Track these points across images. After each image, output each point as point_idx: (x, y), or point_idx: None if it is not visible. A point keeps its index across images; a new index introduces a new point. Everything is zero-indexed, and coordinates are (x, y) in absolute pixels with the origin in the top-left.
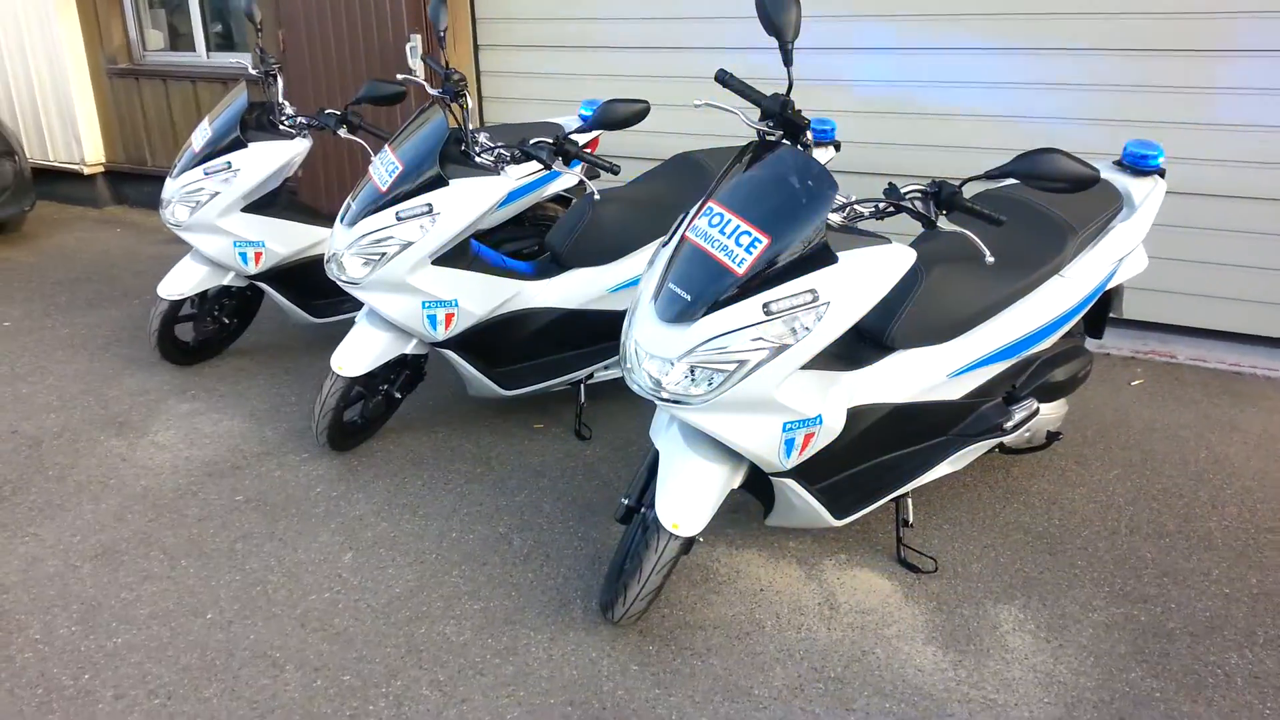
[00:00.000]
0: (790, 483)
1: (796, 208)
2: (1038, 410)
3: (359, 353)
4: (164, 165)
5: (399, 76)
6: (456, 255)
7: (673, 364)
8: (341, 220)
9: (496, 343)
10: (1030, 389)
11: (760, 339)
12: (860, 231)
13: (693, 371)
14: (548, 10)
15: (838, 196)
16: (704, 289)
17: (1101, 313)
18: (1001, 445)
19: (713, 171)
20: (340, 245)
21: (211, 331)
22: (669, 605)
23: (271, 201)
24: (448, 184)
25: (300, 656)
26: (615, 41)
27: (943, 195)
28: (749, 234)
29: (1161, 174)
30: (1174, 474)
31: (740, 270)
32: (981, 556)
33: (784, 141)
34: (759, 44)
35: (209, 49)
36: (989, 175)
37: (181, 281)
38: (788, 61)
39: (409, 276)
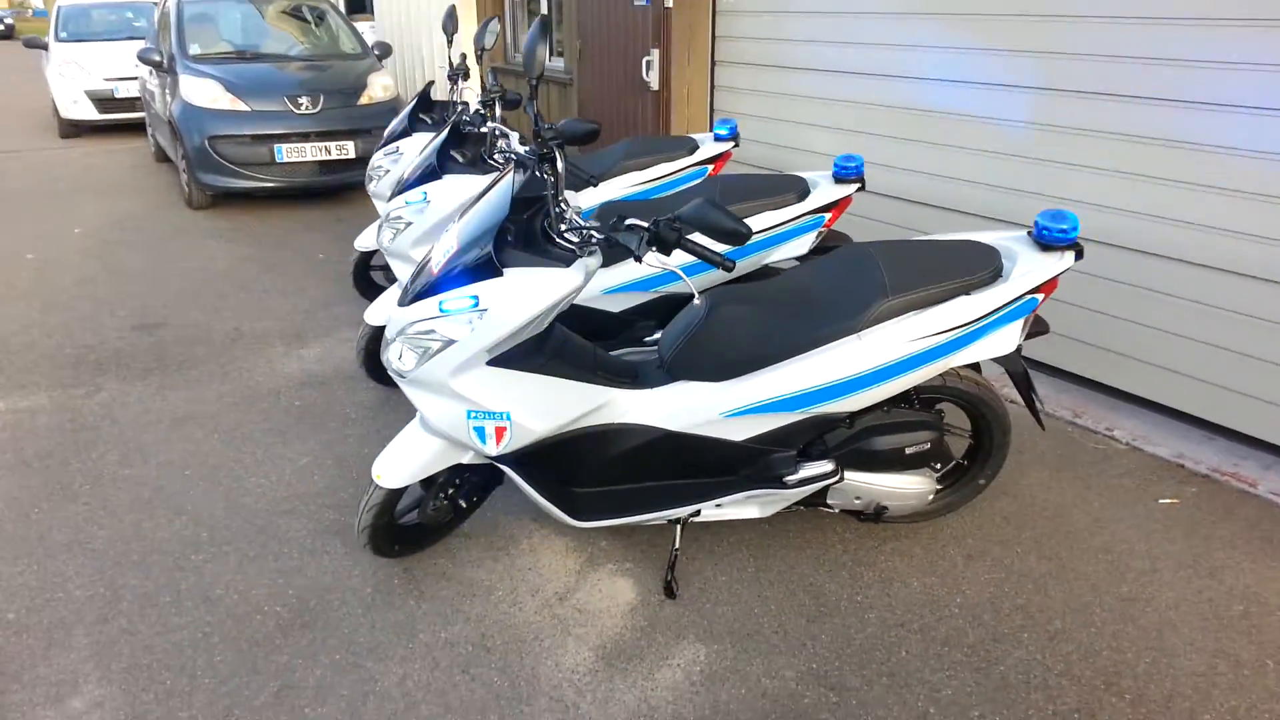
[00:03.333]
0: (508, 470)
1: (479, 226)
2: (835, 474)
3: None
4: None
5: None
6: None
7: (392, 341)
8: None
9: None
10: (837, 451)
11: (433, 331)
12: (552, 256)
13: (404, 351)
14: (777, 31)
15: (578, 218)
16: (417, 282)
17: (1030, 400)
18: (863, 513)
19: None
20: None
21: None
22: (453, 548)
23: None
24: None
25: None
26: (839, 66)
27: (660, 231)
28: (452, 242)
29: (1077, 250)
30: (1043, 600)
31: (435, 271)
32: (740, 602)
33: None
34: (1000, 80)
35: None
36: (670, 221)
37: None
38: (533, 96)
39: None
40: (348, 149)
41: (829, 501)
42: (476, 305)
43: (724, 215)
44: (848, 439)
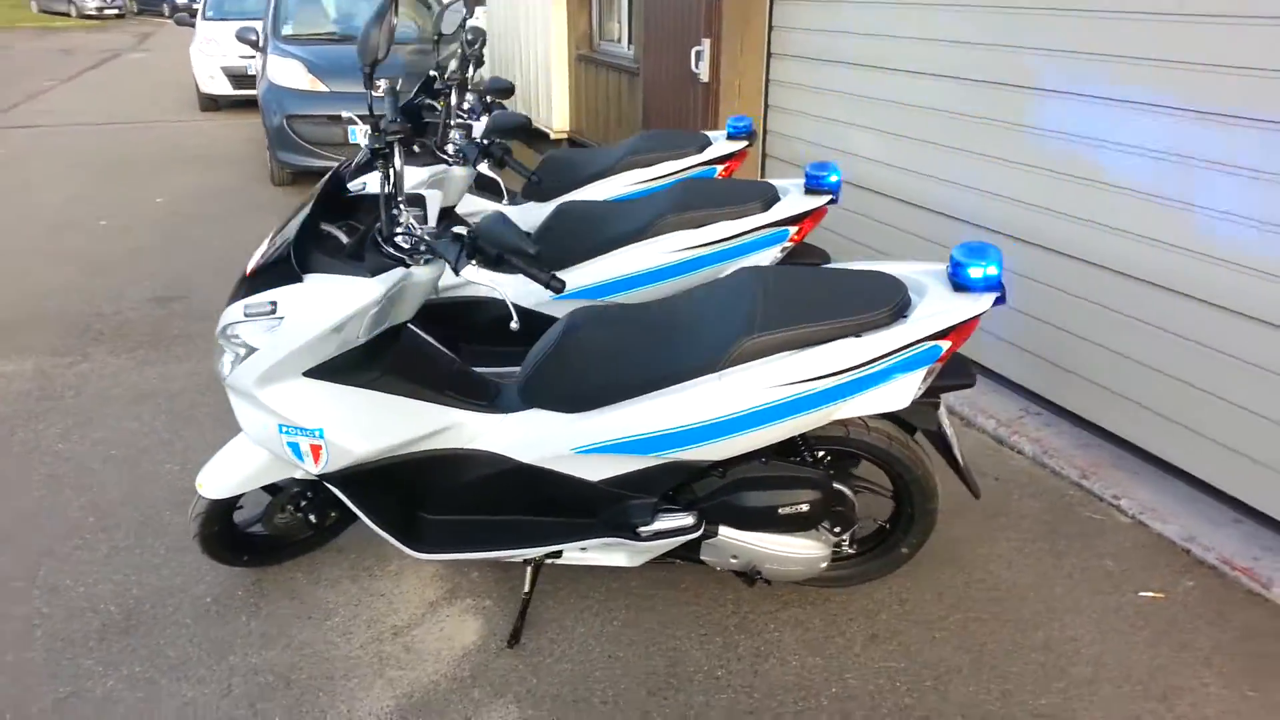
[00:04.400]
0: (335, 489)
1: (297, 222)
2: (696, 528)
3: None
4: (594, 140)
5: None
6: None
7: (217, 342)
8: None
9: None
10: (705, 503)
11: (238, 337)
12: (366, 264)
13: (222, 353)
14: (833, 21)
15: (415, 223)
16: (237, 284)
17: (955, 464)
18: (743, 574)
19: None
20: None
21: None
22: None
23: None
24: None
25: None
26: (909, 65)
27: (477, 242)
28: (273, 236)
29: (1000, 294)
30: (936, 703)
31: (248, 269)
32: (585, 661)
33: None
34: (1083, 90)
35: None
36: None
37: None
38: (368, 85)
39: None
40: None
41: (703, 557)
42: (274, 312)
43: (508, 232)
44: (717, 490)
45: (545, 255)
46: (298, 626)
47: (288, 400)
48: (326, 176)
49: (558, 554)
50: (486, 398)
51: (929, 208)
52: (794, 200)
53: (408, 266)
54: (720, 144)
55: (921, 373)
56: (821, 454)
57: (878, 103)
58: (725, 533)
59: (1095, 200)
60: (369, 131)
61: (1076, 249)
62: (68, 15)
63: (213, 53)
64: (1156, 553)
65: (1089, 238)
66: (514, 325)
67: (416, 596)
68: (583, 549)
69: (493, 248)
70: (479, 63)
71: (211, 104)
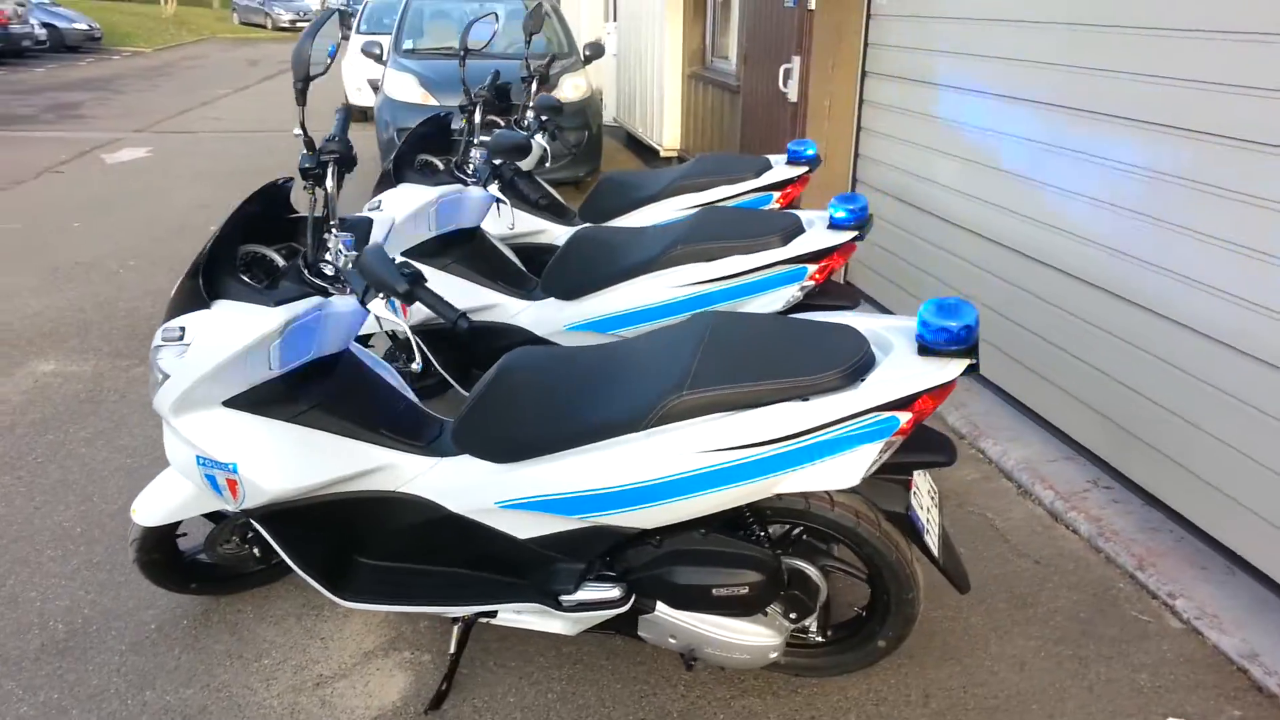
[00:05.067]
0: (257, 525)
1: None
2: (622, 602)
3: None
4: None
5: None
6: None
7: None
8: None
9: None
10: (636, 574)
11: (158, 361)
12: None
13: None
14: (927, 39)
15: (344, 250)
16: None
17: (928, 552)
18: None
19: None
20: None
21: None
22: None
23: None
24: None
25: None
26: (1000, 88)
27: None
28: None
29: (971, 359)
30: None
31: (172, 294)
32: None
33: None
34: (1212, 128)
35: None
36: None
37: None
38: (299, 101)
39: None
40: None
41: (640, 634)
42: (182, 338)
43: (380, 267)
44: (649, 562)
45: (558, 284)
46: (225, 665)
47: (203, 430)
48: (252, 195)
49: (492, 614)
50: (425, 439)
51: (1012, 247)
52: (816, 235)
53: (329, 295)
54: (779, 169)
55: (875, 447)
56: (783, 529)
57: (950, 124)
58: (662, 609)
59: (1189, 253)
60: (304, 149)
61: (1158, 303)
62: (264, 27)
63: (360, 65)
64: (1205, 669)
65: (1176, 293)
66: (415, 366)
67: (354, 644)
68: (517, 611)
69: (366, 281)
70: (543, 80)
71: (360, 115)
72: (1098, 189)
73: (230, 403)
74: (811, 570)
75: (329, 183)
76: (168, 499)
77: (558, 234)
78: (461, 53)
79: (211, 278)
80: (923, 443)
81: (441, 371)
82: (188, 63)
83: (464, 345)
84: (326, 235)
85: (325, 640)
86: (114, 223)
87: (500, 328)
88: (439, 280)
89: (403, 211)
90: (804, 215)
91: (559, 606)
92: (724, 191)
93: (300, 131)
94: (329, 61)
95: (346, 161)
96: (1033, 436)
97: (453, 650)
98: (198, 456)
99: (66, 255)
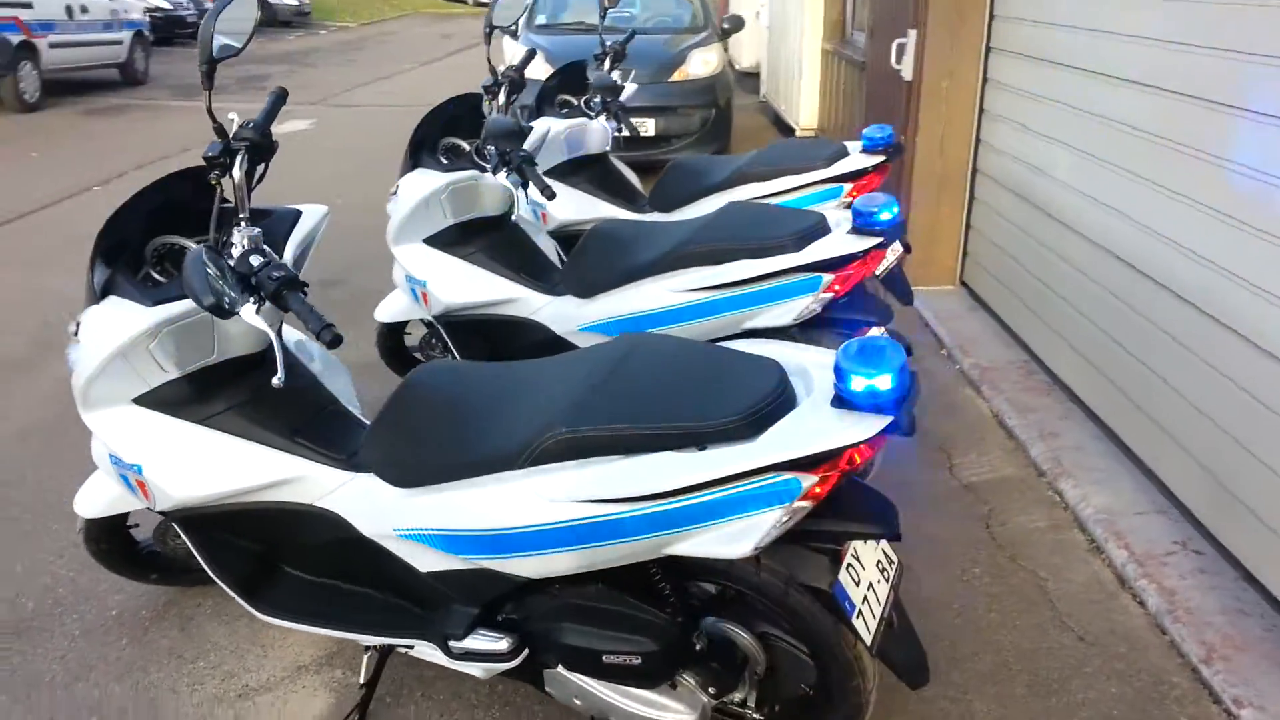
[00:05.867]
0: (174, 525)
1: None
2: (510, 656)
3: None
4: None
5: None
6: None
7: None
8: None
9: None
10: (529, 627)
11: (68, 355)
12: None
13: None
14: (1058, 12)
15: (246, 245)
16: None
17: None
18: None
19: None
20: None
21: None
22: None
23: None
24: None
25: None
26: (1131, 73)
27: (258, 278)
28: None
29: (893, 419)
30: None
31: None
32: None
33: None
34: None
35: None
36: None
37: None
38: (206, 86)
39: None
40: (648, 126)
41: (548, 689)
42: (76, 333)
43: (198, 277)
44: (545, 614)
45: (575, 280)
46: (161, 663)
47: (110, 428)
48: (162, 180)
49: (410, 646)
50: (347, 450)
51: (1129, 261)
52: (836, 239)
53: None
54: (852, 158)
55: (773, 515)
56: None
57: (1073, 112)
58: (563, 668)
59: None
60: (217, 134)
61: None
62: (464, 2)
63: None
64: None
65: None
66: (276, 381)
67: (293, 654)
68: (432, 648)
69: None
70: (618, 57)
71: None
72: (1252, 212)
73: (140, 400)
74: (744, 638)
75: (236, 171)
76: (105, 491)
77: None
78: (488, 30)
79: (111, 270)
80: (857, 508)
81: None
82: (384, 37)
83: (489, 339)
84: (235, 229)
85: (266, 647)
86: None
87: (521, 323)
88: (460, 269)
89: (412, 199)
90: (831, 215)
91: (449, 652)
92: (789, 182)
93: (210, 117)
94: (247, 40)
95: (261, 149)
96: (1124, 482)
97: (363, 680)
98: (109, 454)
99: None
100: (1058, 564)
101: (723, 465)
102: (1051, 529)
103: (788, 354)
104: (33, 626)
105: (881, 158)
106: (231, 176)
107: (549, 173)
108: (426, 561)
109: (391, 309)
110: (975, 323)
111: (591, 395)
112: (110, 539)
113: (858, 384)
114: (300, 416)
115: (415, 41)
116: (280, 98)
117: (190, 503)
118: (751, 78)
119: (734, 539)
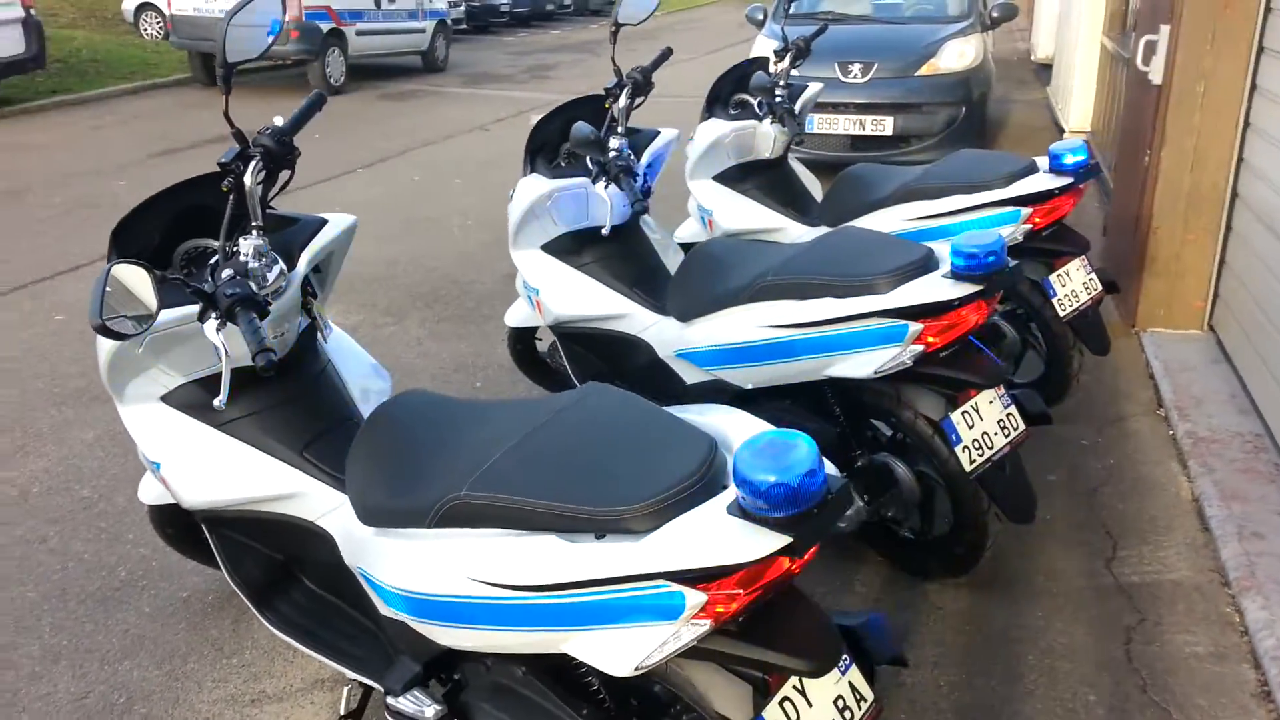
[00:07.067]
0: (203, 526)
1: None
2: None
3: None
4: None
5: None
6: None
7: None
8: None
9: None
10: (456, 697)
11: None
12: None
13: None
14: None
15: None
16: None
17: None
18: None
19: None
20: None
21: None
22: None
23: None
24: None
25: None
26: None
27: (216, 292)
28: None
29: (792, 536)
30: None
31: None
32: None
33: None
34: None
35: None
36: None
37: None
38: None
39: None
40: (884, 125)
41: None
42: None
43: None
44: (474, 687)
45: (675, 301)
46: (203, 653)
47: (138, 424)
48: (189, 182)
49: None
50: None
51: None
52: (929, 284)
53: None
54: (1037, 178)
55: (661, 631)
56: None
57: None
58: None
59: None
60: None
61: None
62: None
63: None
64: None
65: None
66: (217, 403)
67: (314, 666)
68: None
69: None
70: (800, 54)
71: None
72: None
73: (167, 398)
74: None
75: (248, 178)
76: (150, 483)
77: (795, 234)
78: (614, 29)
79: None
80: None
81: (573, 379)
82: (685, 25)
83: (601, 355)
84: (243, 238)
85: (294, 654)
86: (485, 182)
87: (630, 340)
88: (571, 279)
89: (521, 204)
90: (939, 249)
91: (386, 707)
92: (959, 201)
93: (227, 121)
94: (269, 43)
95: (276, 158)
96: None
97: (343, 711)
98: (139, 449)
99: (426, 210)
100: (1203, 706)
101: (608, 564)
102: (1213, 657)
103: (721, 420)
104: (114, 597)
105: (1069, 179)
106: (243, 184)
107: (719, 178)
108: (381, 605)
109: (517, 315)
110: (1213, 380)
111: (505, 457)
112: (174, 524)
113: (754, 491)
114: (315, 429)
115: (714, 29)
116: (315, 104)
117: (200, 506)
118: (1047, 70)
119: (617, 651)
